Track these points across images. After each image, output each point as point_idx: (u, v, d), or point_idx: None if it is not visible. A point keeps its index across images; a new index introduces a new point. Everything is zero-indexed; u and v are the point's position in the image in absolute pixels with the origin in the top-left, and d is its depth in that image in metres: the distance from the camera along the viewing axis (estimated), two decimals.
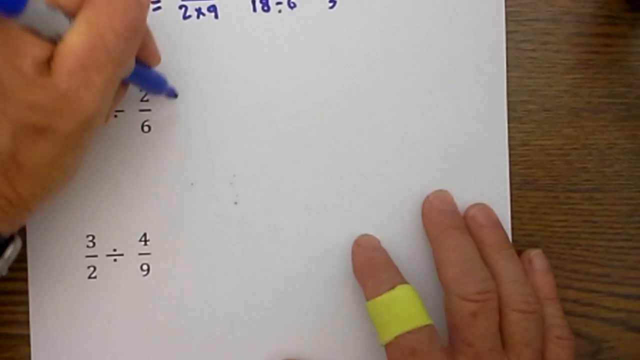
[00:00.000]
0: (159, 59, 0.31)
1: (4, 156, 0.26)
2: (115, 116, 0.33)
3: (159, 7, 0.33)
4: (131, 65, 0.28)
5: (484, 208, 0.33)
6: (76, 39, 0.25)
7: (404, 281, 0.32)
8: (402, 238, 0.34)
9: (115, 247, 0.34)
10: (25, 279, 0.33)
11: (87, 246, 0.34)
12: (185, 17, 0.34)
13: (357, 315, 0.34)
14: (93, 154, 0.33)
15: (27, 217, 0.29)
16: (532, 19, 0.35)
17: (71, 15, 0.25)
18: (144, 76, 0.31)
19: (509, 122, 0.34)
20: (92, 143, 0.28)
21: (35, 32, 0.24)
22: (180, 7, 0.33)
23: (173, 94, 0.33)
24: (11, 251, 0.29)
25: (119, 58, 0.26)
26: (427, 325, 0.30)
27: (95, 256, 0.33)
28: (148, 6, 0.28)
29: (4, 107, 0.25)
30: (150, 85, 0.32)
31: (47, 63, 0.25)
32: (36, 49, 0.24)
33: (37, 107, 0.25)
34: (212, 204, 0.34)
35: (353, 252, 0.34)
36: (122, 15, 0.26)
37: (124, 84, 0.30)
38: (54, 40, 0.25)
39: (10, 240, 0.29)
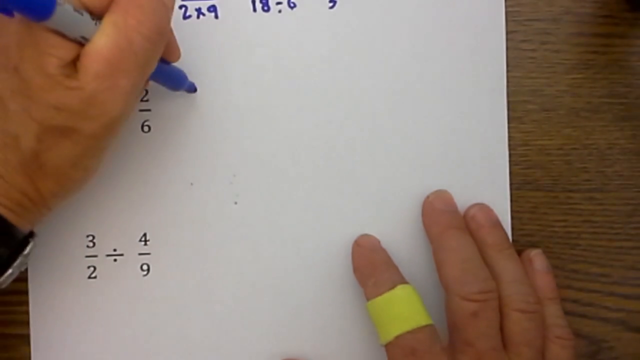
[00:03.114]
0: (179, 55, 0.31)
1: (27, 155, 0.26)
2: None
3: None
4: (155, 66, 0.28)
5: (484, 208, 0.33)
6: (104, 41, 0.25)
7: (404, 281, 0.32)
8: (402, 238, 0.34)
9: (115, 247, 0.34)
10: (25, 279, 0.33)
11: (87, 246, 0.34)
12: (185, 17, 0.34)
13: (357, 315, 0.34)
14: None
15: (45, 214, 0.29)
16: (532, 19, 0.35)
17: (97, 16, 0.25)
18: (165, 73, 0.30)
19: (509, 122, 0.34)
20: (113, 144, 0.28)
21: (61, 34, 0.24)
22: (180, 7, 0.33)
23: (193, 89, 0.33)
24: (31, 247, 0.28)
25: (145, 61, 0.26)
26: (427, 325, 0.30)
27: (95, 256, 0.33)
28: (172, 8, 0.28)
29: (30, 108, 0.25)
30: (171, 82, 0.32)
31: (73, 64, 0.25)
32: (62, 50, 0.24)
33: (63, 108, 0.25)
34: (212, 204, 0.34)
35: (353, 252, 0.34)
36: (150, 18, 0.26)
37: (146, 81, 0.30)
38: (80, 42, 0.25)
39: (29, 236, 0.29)
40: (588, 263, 0.35)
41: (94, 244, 0.34)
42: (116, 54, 0.25)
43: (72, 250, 0.33)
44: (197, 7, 0.34)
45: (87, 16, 0.25)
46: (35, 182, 0.27)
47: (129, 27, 0.25)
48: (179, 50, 0.31)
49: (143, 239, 0.34)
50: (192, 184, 0.34)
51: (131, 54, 0.25)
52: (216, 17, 0.34)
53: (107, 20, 0.25)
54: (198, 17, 0.34)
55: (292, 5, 0.34)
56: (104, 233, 0.34)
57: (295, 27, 0.34)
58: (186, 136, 0.34)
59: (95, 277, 0.33)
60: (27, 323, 0.33)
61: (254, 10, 0.34)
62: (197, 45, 0.33)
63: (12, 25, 0.24)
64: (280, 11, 0.34)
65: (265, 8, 0.34)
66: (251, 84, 0.34)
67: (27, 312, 0.33)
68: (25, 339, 0.33)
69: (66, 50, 0.25)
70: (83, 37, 0.25)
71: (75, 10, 0.24)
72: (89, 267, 0.33)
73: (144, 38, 0.26)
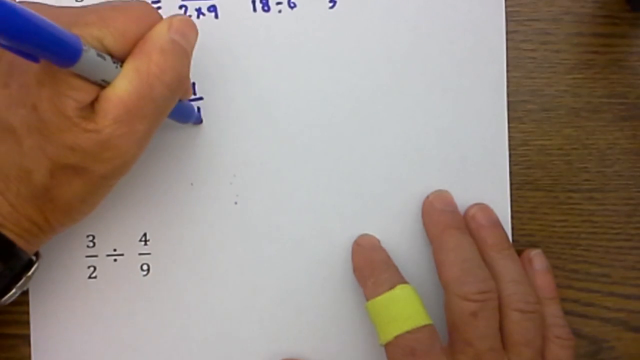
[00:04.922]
0: (191, 94, 0.31)
1: (39, 189, 0.26)
2: None
3: (159, 7, 0.33)
4: (171, 110, 0.28)
5: (484, 208, 0.33)
6: (125, 86, 0.25)
7: (403, 281, 0.32)
8: (402, 238, 0.34)
9: (115, 247, 0.34)
10: None
11: (87, 246, 0.34)
12: None
13: (357, 315, 0.34)
14: None
15: (52, 237, 0.29)
16: (532, 19, 0.35)
17: (119, 60, 0.25)
18: (176, 109, 0.30)
19: (509, 122, 0.34)
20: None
21: (82, 76, 0.24)
22: (180, 7, 0.33)
23: (199, 121, 0.33)
24: (35, 268, 0.29)
25: (163, 107, 0.27)
26: (426, 325, 0.30)
27: (95, 256, 0.33)
28: (192, 54, 0.28)
29: (45, 146, 0.25)
30: (181, 117, 0.32)
31: (91, 106, 0.25)
32: (81, 93, 0.25)
33: (77, 149, 0.25)
34: (212, 204, 0.34)
35: (353, 252, 0.34)
36: (172, 65, 0.26)
37: None
38: (100, 84, 0.25)
39: (33, 257, 0.29)
40: (588, 263, 0.35)
41: (94, 244, 0.34)
42: (136, 100, 0.25)
43: (72, 250, 0.33)
44: (197, 7, 0.34)
45: (109, 60, 0.25)
46: (45, 213, 0.27)
47: (151, 74, 0.25)
48: (191, 89, 0.31)
49: (143, 239, 0.34)
50: (192, 184, 0.34)
51: (150, 100, 0.26)
52: (216, 17, 0.34)
53: (129, 65, 0.25)
54: (198, 17, 0.34)
55: (292, 5, 0.34)
56: (104, 233, 0.34)
57: (295, 27, 0.34)
58: (186, 136, 0.34)
59: (95, 277, 0.33)
60: (27, 323, 0.33)
61: (254, 10, 0.34)
62: (197, 45, 0.33)
63: (33, 64, 0.25)
64: (280, 11, 0.34)
65: (265, 8, 0.34)
66: (251, 83, 0.34)
67: (27, 312, 0.33)
68: (25, 339, 0.33)
69: (85, 93, 0.25)
70: (104, 80, 0.25)
71: (98, 55, 0.24)
72: (89, 267, 0.33)
73: (165, 86, 0.26)
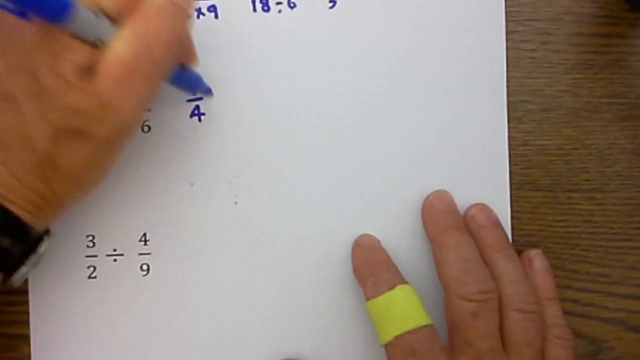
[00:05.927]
0: (197, 60, 0.31)
1: (42, 157, 0.26)
2: None
3: None
4: (170, 70, 0.28)
5: (483, 208, 0.33)
6: (123, 46, 0.25)
7: (403, 281, 0.32)
8: (402, 238, 0.34)
9: (115, 247, 0.34)
10: (26, 279, 0.33)
11: (87, 246, 0.34)
12: None
13: (357, 315, 0.34)
14: None
15: (60, 213, 0.29)
16: (532, 19, 0.35)
17: (115, 21, 0.25)
18: (182, 77, 0.30)
19: (509, 122, 0.34)
20: (127, 145, 0.29)
21: (79, 37, 0.24)
22: None
23: (209, 91, 0.33)
24: (45, 246, 0.29)
25: (162, 67, 0.27)
26: (426, 325, 0.30)
27: (95, 256, 0.33)
28: (191, 14, 0.28)
29: (45, 110, 0.25)
30: (188, 85, 0.32)
31: (89, 68, 0.25)
32: (78, 54, 0.25)
33: (78, 112, 0.25)
34: (212, 204, 0.34)
35: (353, 252, 0.34)
36: (170, 25, 0.26)
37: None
38: (97, 46, 0.25)
39: (44, 234, 0.29)
40: (588, 263, 0.35)
41: (94, 244, 0.34)
42: (135, 60, 0.25)
43: (72, 250, 0.33)
44: (197, 7, 0.34)
45: (105, 20, 0.25)
46: (50, 183, 0.27)
47: (149, 34, 0.25)
48: (196, 55, 0.31)
49: (143, 239, 0.34)
50: (192, 184, 0.34)
51: (150, 60, 0.26)
52: (216, 17, 0.34)
53: (127, 26, 0.25)
54: (198, 17, 0.34)
55: (292, 5, 0.34)
56: (104, 233, 0.34)
57: (295, 27, 0.34)
58: (186, 136, 0.34)
59: (95, 277, 0.33)
60: (27, 323, 0.33)
61: (254, 10, 0.34)
62: (197, 45, 0.33)
63: (27, 27, 0.24)
64: (280, 11, 0.34)
65: (265, 8, 0.34)
66: (251, 83, 0.34)
67: (27, 312, 0.33)
68: (25, 339, 0.33)
69: (83, 54, 0.25)
70: (101, 41, 0.25)
71: (94, 14, 0.24)
72: (89, 267, 0.33)
73: (163, 45, 0.26)
